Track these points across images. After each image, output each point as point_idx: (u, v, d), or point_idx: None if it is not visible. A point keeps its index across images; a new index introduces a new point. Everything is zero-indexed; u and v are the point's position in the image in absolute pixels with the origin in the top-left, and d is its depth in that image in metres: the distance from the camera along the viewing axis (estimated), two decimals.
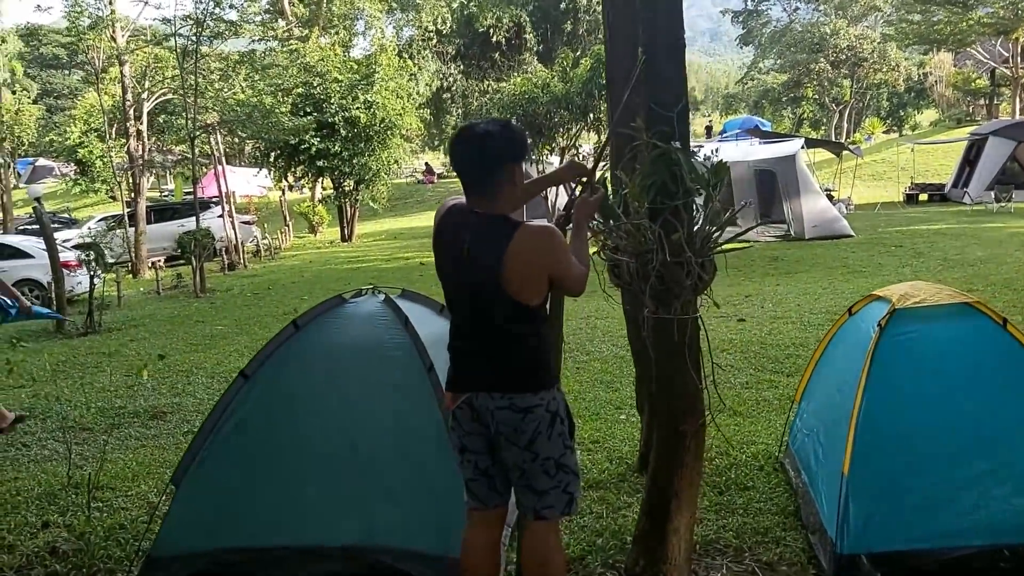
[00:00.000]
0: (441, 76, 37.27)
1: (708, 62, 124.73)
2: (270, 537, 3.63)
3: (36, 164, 48.97)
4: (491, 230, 2.65)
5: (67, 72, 58.04)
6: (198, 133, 18.95)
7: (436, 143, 43.14)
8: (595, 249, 3.36)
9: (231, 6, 19.56)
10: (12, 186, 46.17)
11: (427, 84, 36.33)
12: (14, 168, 49.09)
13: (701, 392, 3.37)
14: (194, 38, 18.21)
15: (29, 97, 52.33)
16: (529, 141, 3.28)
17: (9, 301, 6.27)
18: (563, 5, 37.75)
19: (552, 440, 2.72)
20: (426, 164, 43.70)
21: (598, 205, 3.08)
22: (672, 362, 3.35)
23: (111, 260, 21.97)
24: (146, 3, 18.92)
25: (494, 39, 36.00)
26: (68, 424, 6.48)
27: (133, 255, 20.39)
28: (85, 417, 6.71)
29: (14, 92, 52.46)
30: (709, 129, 50.35)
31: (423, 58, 35.47)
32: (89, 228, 22.50)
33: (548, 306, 2.87)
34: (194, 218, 18.41)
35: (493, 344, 2.74)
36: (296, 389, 3.91)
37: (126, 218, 21.11)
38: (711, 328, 8.29)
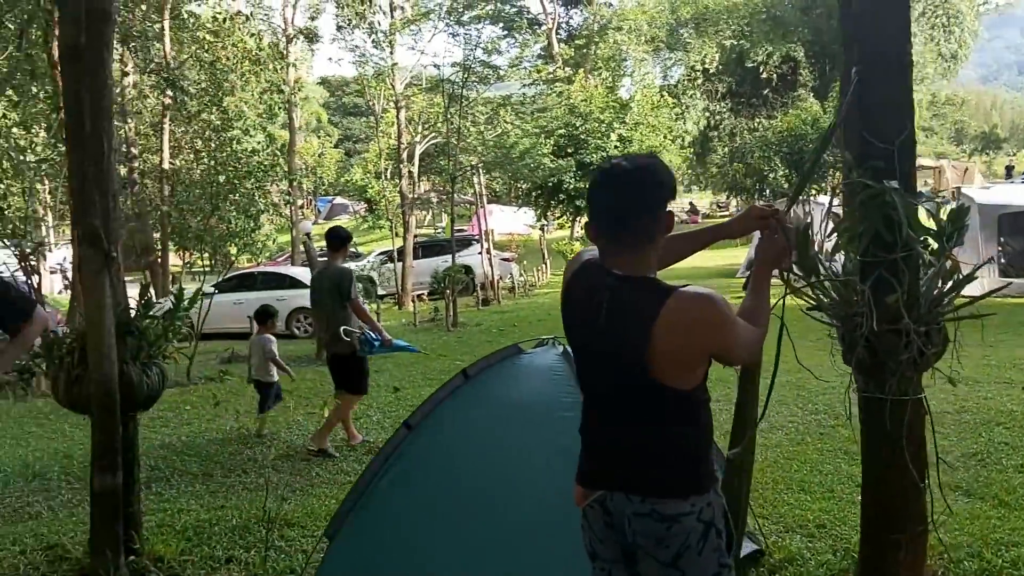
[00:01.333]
0: (708, 114, 36.48)
1: (1015, 97, 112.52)
2: None
3: (334, 202, 53.80)
4: (635, 295, 2.11)
5: (364, 119, 63.79)
6: (459, 174, 19.74)
7: (702, 183, 42.27)
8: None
9: (498, 52, 20.30)
10: (313, 221, 51.23)
11: (695, 123, 35.72)
12: (315, 205, 54.56)
13: (922, 492, 2.68)
14: (460, 83, 19.04)
15: (331, 142, 58.11)
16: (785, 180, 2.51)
17: (373, 335, 6.72)
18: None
19: (704, 556, 2.14)
20: (690, 204, 42.92)
21: (788, 252, 2.43)
22: (884, 453, 2.70)
23: (382, 292, 23.69)
24: (422, 52, 20.12)
25: (764, 75, 34.65)
26: (289, 452, 6.69)
27: (399, 288, 21.59)
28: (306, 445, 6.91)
29: (319, 137, 58.51)
30: (1010, 170, 44.97)
31: (690, 97, 34.91)
32: (368, 262, 24.32)
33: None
34: (460, 252, 19.23)
35: (633, 435, 2.19)
36: (459, 444, 3.65)
37: (395, 253, 22.43)
38: (989, 395, 7.20)
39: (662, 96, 27.72)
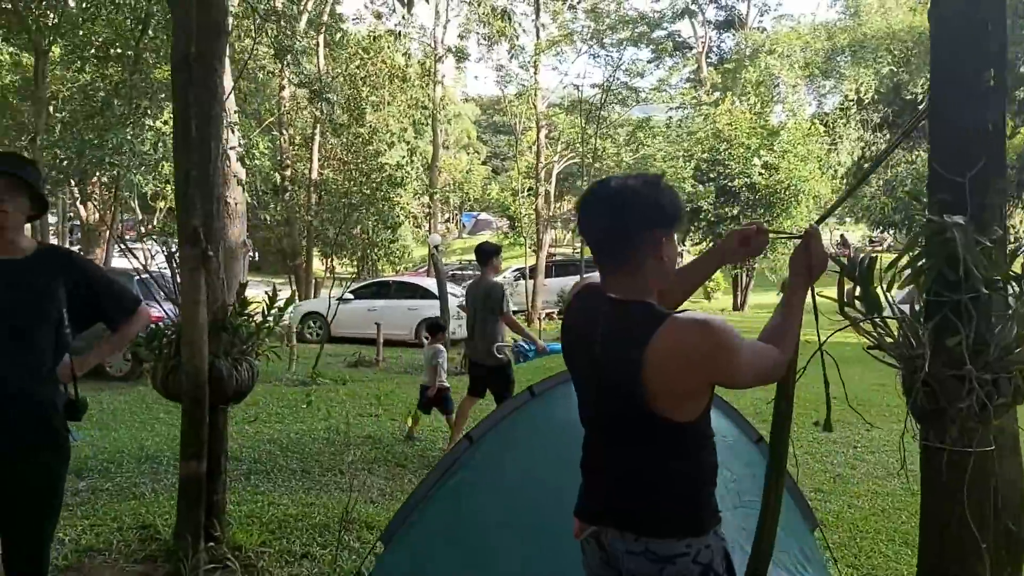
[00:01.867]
0: (863, 144, 34.92)
1: None
2: None
3: (479, 218, 54.85)
4: (629, 322, 1.99)
5: (512, 137, 64.91)
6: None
7: (855, 215, 40.41)
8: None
9: (640, 75, 20.20)
10: (455, 236, 52.36)
11: (848, 153, 34.29)
12: (459, 220, 55.83)
13: (983, 553, 2.45)
14: (599, 104, 19.05)
15: (479, 158, 59.30)
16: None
17: (526, 345, 7.05)
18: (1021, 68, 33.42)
19: None
20: (841, 236, 41.11)
21: (824, 264, 2.24)
22: (943, 507, 2.50)
23: (514, 308, 23.93)
24: (565, 74, 20.26)
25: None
26: (388, 458, 6.84)
27: (529, 305, 21.74)
28: (406, 452, 7.05)
29: (468, 154, 59.86)
30: None
31: (844, 126, 33.54)
32: (504, 277, 24.66)
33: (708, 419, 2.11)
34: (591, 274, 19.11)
35: (628, 470, 2.08)
36: (519, 460, 3.62)
37: (527, 270, 22.63)
38: None
39: (813, 124, 26.77)
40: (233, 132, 13.62)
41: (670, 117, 26.33)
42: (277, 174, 19.32)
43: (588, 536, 2.16)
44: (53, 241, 27.14)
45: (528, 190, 22.90)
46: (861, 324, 2.60)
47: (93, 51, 14.92)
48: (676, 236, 2.09)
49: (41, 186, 2.89)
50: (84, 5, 13.94)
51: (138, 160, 14.20)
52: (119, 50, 14.17)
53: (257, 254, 26.58)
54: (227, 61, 14.80)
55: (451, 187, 33.81)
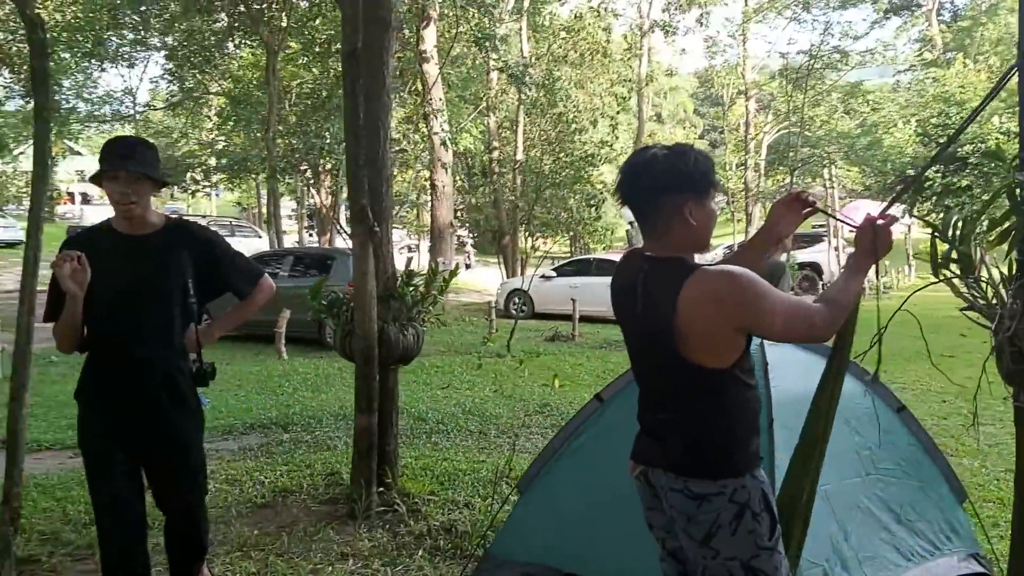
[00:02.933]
0: None
1: None
2: (588, 569, 3.58)
3: None
4: (661, 277, 2.18)
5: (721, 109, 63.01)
6: (800, 165, 18.98)
7: None
8: None
9: (853, 37, 19.13)
10: None
11: None
12: None
13: None
14: (807, 71, 18.28)
15: (696, 132, 58.18)
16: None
17: None
18: None
19: (738, 537, 2.16)
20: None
21: (888, 248, 2.28)
22: None
23: None
24: (772, 42, 19.62)
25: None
26: (556, 422, 7.17)
27: None
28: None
29: (683, 128, 58.87)
30: None
31: None
32: (714, 255, 24.30)
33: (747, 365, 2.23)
34: (807, 249, 18.63)
35: (669, 415, 2.28)
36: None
37: (734, 246, 22.16)
38: None
39: None
40: (437, 118, 14.48)
41: (897, 81, 24.68)
42: (485, 157, 20.15)
43: (638, 475, 2.37)
44: (291, 227, 29.62)
45: (736, 164, 22.34)
46: (954, 284, 2.58)
47: (317, 48, 16.29)
48: (710, 201, 2.22)
49: (159, 171, 3.03)
50: (307, 5, 15.22)
51: None
52: (339, 46, 15.36)
53: (470, 234, 27.77)
54: (434, 51, 15.57)
55: None
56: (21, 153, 53.98)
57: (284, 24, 15.96)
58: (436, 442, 6.47)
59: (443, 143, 14.15)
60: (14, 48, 18.19)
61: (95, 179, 2.95)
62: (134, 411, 2.98)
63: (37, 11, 3.70)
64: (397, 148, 15.60)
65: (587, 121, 20.36)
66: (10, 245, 33.70)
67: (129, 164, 2.88)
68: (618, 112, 20.16)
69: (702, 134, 58.90)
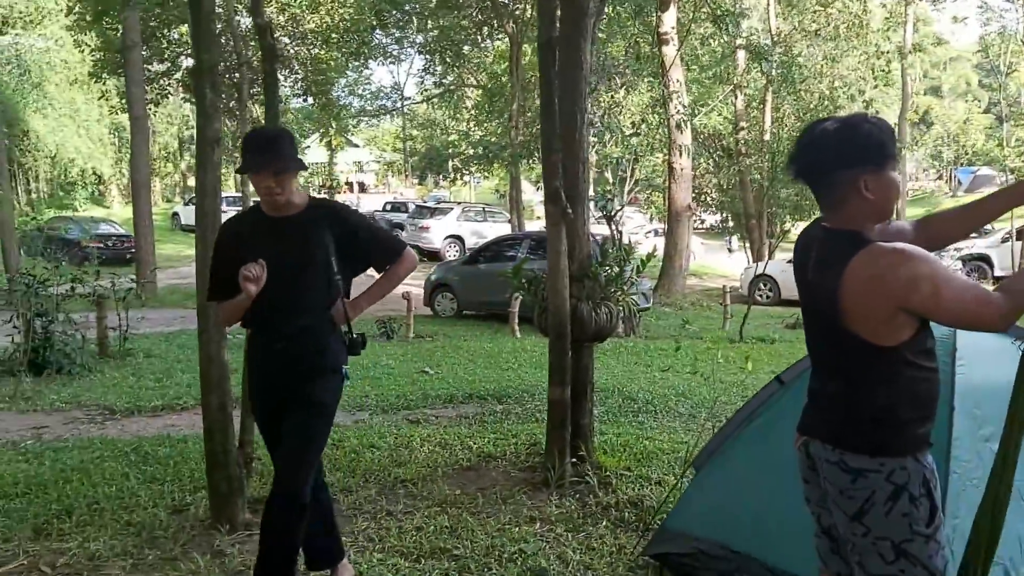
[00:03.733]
0: None
1: None
2: (757, 549, 3.57)
3: (977, 173, 49.17)
4: (834, 249, 2.15)
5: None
6: None
7: None
8: None
9: None
10: (947, 194, 47.48)
11: None
12: (955, 177, 50.46)
13: None
14: None
15: (979, 107, 52.86)
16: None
17: None
18: None
19: (891, 518, 2.11)
20: None
21: None
22: None
23: (999, 273, 21.34)
24: None
25: None
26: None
27: (1015, 268, 19.30)
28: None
29: (966, 102, 53.69)
30: None
31: None
32: (991, 240, 22.11)
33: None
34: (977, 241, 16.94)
35: (833, 387, 2.25)
36: None
37: (1013, 231, 20.01)
38: None
39: None
40: (673, 100, 14.35)
41: None
42: (731, 138, 19.69)
43: (799, 445, 2.36)
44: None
45: (1016, 139, 20.11)
46: None
47: None
48: (887, 172, 2.14)
49: (298, 158, 3.19)
50: None
51: (611, 134, 15.61)
52: None
53: (714, 217, 27.19)
54: (673, 33, 15.39)
55: (945, 140, 30.80)
56: (307, 147, 59.75)
57: (528, 15, 16.55)
58: (642, 421, 6.57)
59: (678, 125, 14.00)
60: (291, 51, 20.26)
61: (242, 170, 3.13)
62: (283, 379, 3.16)
63: (298, 15, 4.19)
64: (630, 132, 15.69)
65: (844, 97, 19.26)
66: None
67: (271, 162, 3.05)
68: (875, 87, 18.86)
69: (987, 108, 53.36)
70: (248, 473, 4.30)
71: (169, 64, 19.52)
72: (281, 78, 22.40)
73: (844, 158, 2.12)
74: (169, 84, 20.14)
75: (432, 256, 23.74)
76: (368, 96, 40.66)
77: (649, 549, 3.91)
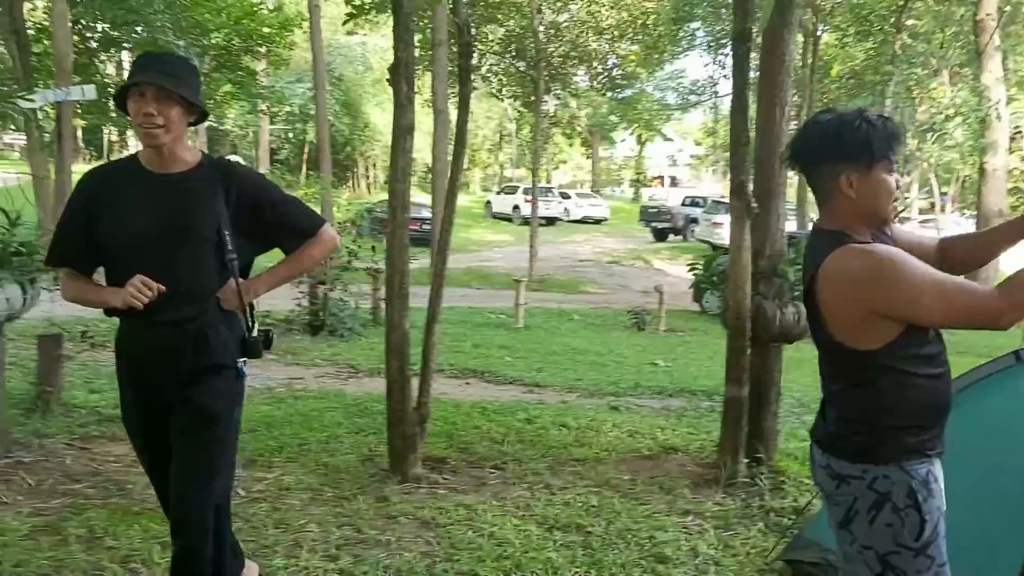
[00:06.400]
0: None
1: None
2: None
3: None
4: (815, 249, 2.10)
5: None
6: None
7: None
8: None
9: None
10: None
11: None
12: None
13: None
14: None
15: None
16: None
17: None
18: None
19: (875, 528, 2.02)
20: None
21: None
22: None
23: None
24: None
25: None
26: None
27: None
28: None
29: None
30: None
31: None
32: None
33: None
34: None
35: (825, 391, 2.22)
36: None
37: None
38: None
39: None
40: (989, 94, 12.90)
41: None
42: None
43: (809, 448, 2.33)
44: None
45: None
46: None
47: (861, 27, 15.73)
48: (879, 173, 2.03)
49: (192, 92, 2.49)
50: None
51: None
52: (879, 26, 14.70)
53: None
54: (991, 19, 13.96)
55: None
56: (623, 141, 60.77)
57: (828, 6, 15.76)
58: None
59: (984, 120, 12.57)
60: (591, 47, 20.89)
61: (121, 102, 2.48)
62: (163, 380, 2.54)
63: (467, 17, 4.56)
64: (925, 128, 14.36)
65: None
66: (598, 222, 38.63)
67: (156, 78, 2.40)
68: None
69: None
70: (422, 432, 4.72)
71: (477, 60, 21.02)
72: (579, 73, 23.29)
73: (826, 152, 2.06)
74: (474, 80, 21.61)
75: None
76: (682, 90, 40.63)
77: (784, 555, 3.81)
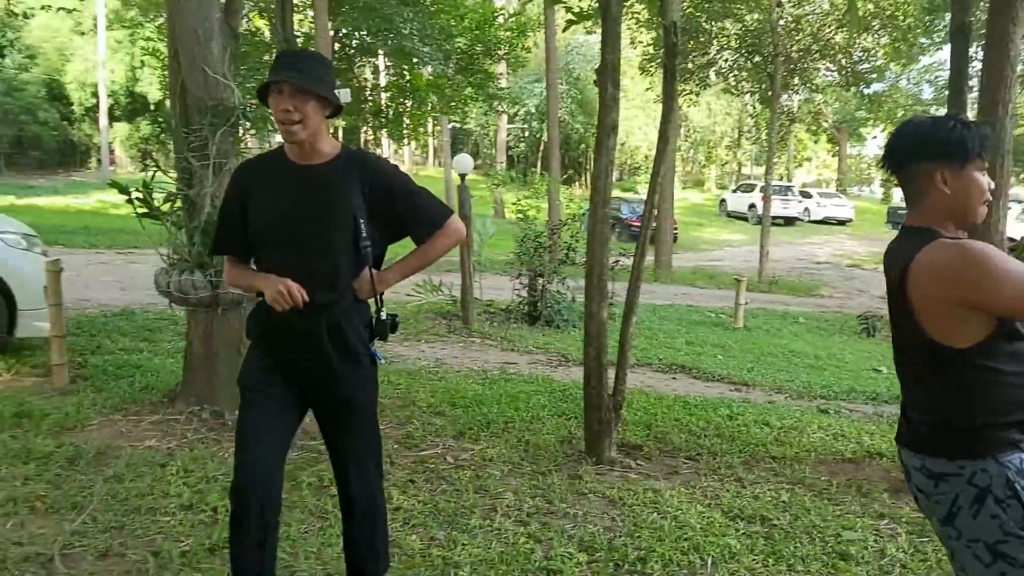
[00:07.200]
0: None
1: None
2: None
3: None
4: (907, 245, 2.14)
5: None
6: None
7: None
8: None
9: None
10: None
11: None
12: None
13: None
14: None
15: None
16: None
17: None
18: None
19: (980, 521, 2.05)
20: None
21: None
22: None
23: None
24: None
25: None
26: None
27: None
28: None
29: None
30: None
31: None
32: None
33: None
34: None
35: (913, 391, 2.24)
36: None
37: None
38: None
39: None
40: None
41: None
42: None
43: (898, 453, 2.35)
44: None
45: None
46: None
47: None
48: (972, 171, 2.10)
49: (327, 88, 2.60)
50: None
51: None
52: None
53: None
54: None
55: None
56: (874, 138, 57.27)
57: None
58: None
59: None
60: (834, 39, 19.97)
61: (263, 98, 2.62)
62: (299, 362, 2.67)
63: (674, 18, 4.75)
64: None
65: None
66: (842, 223, 36.83)
67: (292, 76, 2.53)
68: None
69: None
70: (617, 418, 4.95)
71: (713, 55, 20.73)
72: (821, 68, 22.25)
73: (923, 150, 2.13)
74: (707, 76, 21.35)
75: None
76: (938, 84, 37.68)
77: None
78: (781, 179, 41.97)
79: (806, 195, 38.10)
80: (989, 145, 2.13)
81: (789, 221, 34.67)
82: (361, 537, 2.85)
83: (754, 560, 3.68)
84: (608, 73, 4.70)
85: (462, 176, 10.24)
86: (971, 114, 4.75)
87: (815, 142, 55.19)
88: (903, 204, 2.29)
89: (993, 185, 2.21)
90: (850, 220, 37.46)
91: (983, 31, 4.98)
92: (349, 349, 2.67)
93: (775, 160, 23.79)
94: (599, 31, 4.80)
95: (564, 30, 12.48)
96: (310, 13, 16.45)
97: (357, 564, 2.88)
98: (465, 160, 10.79)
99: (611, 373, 5.00)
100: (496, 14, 20.37)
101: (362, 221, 2.63)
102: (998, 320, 2.03)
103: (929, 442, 2.17)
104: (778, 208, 31.58)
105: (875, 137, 55.58)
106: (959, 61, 4.57)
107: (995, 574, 2.06)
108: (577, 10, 5.69)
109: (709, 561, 3.63)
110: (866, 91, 24.91)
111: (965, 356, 2.06)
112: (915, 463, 2.21)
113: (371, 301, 2.77)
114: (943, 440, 2.14)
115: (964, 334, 2.05)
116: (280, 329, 2.64)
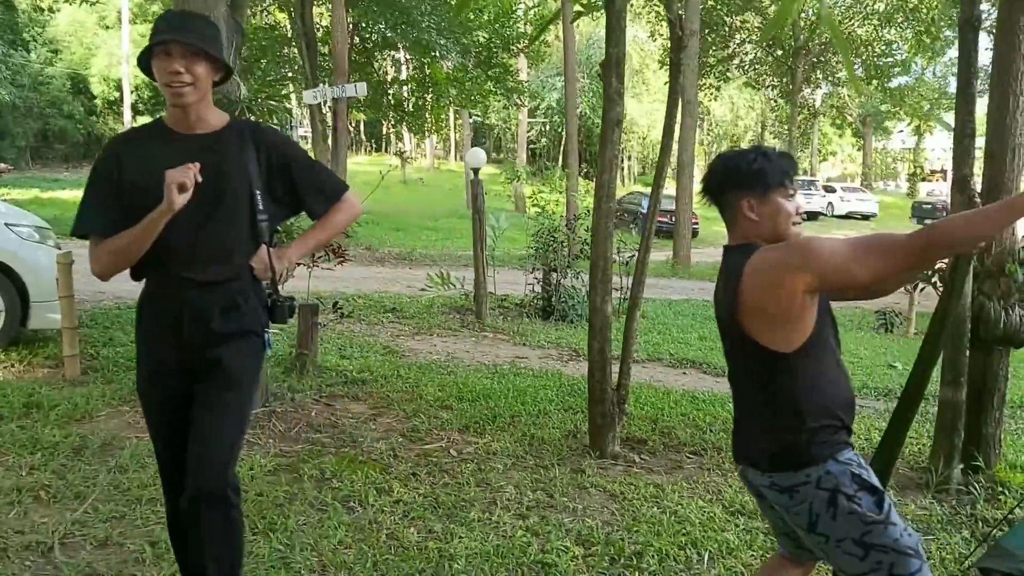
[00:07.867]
0: None
1: None
2: None
3: None
4: (732, 259, 2.29)
5: None
6: None
7: None
8: None
9: None
10: None
11: None
12: None
13: None
14: None
15: None
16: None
17: None
18: None
19: (840, 521, 2.17)
20: None
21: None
22: None
23: None
24: None
25: None
26: None
27: None
28: None
29: None
30: None
31: None
32: None
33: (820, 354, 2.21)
34: None
35: (746, 405, 2.37)
36: None
37: None
38: None
39: None
40: None
41: None
42: None
43: (741, 473, 2.45)
44: None
45: None
46: None
47: None
48: (775, 198, 2.28)
49: (219, 49, 2.45)
50: None
51: None
52: None
53: None
54: None
55: None
56: (899, 132, 56.65)
57: None
58: None
59: None
60: (857, 32, 19.79)
61: (145, 65, 2.44)
62: (187, 339, 2.47)
63: (679, 12, 4.72)
64: None
65: None
66: (865, 217, 36.50)
67: (182, 35, 2.36)
68: None
69: None
70: (621, 412, 4.94)
71: (733, 49, 20.68)
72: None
73: (729, 182, 2.33)
74: (728, 70, 21.21)
75: None
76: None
77: (979, 562, 3.66)
78: (805, 173, 41.66)
79: (829, 189, 37.78)
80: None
81: (812, 216, 34.39)
82: (196, 537, 2.50)
83: (752, 555, 3.68)
84: (612, 67, 4.69)
85: (475, 170, 10.24)
86: (981, 107, 4.67)
87: (840, 136, 54.67)
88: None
89: (802, 208, 2.40)
90: (874, 215, 37.13)
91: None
92: (244, 327, 2.51)
93: (798, 155, 23.63)
94: (629, 22, 4.76)
95: (572, 21, 12.44)
96: (329, 6, 16.53)
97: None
98: (478, 154, 10.78)
99: (616, 368, 5.00)
100: (514, 8, 20.34)
101: (258, 193, 2.50)
102: (817, 319, 2.18)
103: (773, 458, 2.26)
104: (801, 202, 31.23)
105: (900, 131, 55.00)
106: (968, 54, 4.51)
107: (871, 564, 2.16)
108: (585, 0, 5.65)
109: (706, 556, 3.64)
110: (889, 85, 24.71)
111: (791, 360, 2.19)
112: (764, 482, 2.30)
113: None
114: (785, 453, 2.23)
115: (791, 336, 2.18)
116: (170, 307, 2.46)
